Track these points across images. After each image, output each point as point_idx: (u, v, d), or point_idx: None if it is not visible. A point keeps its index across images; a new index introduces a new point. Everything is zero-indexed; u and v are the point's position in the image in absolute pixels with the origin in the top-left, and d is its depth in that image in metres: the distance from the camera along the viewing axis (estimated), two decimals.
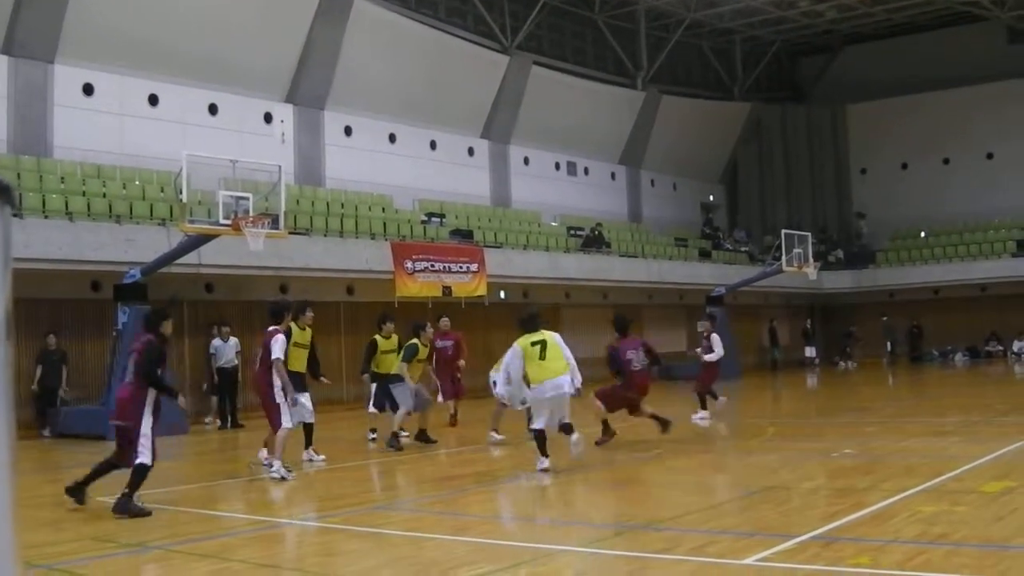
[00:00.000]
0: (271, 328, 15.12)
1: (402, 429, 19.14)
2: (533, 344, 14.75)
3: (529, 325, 15.16)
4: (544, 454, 14.50)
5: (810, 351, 49.90)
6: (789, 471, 13.69)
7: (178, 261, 23.92)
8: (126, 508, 11.48)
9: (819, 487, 12.61)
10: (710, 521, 10.25)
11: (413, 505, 12.70)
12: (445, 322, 21.05)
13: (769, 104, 58.24)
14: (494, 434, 18.88)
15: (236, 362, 25.15)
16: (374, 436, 19.80)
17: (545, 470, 14.30)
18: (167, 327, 12.67)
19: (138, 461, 11.64)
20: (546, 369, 14.68)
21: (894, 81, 54.56)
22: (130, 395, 11.87)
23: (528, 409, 16.46)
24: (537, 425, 14.72)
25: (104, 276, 24.78)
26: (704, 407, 22.82)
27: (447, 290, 31.98)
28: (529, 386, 15.15)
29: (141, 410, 11.75)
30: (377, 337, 19.81)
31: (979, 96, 52.52)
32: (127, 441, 11.78)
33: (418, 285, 31.24)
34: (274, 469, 14.39)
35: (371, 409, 19.89)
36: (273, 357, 14.62)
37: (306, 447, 16.63)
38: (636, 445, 18.38)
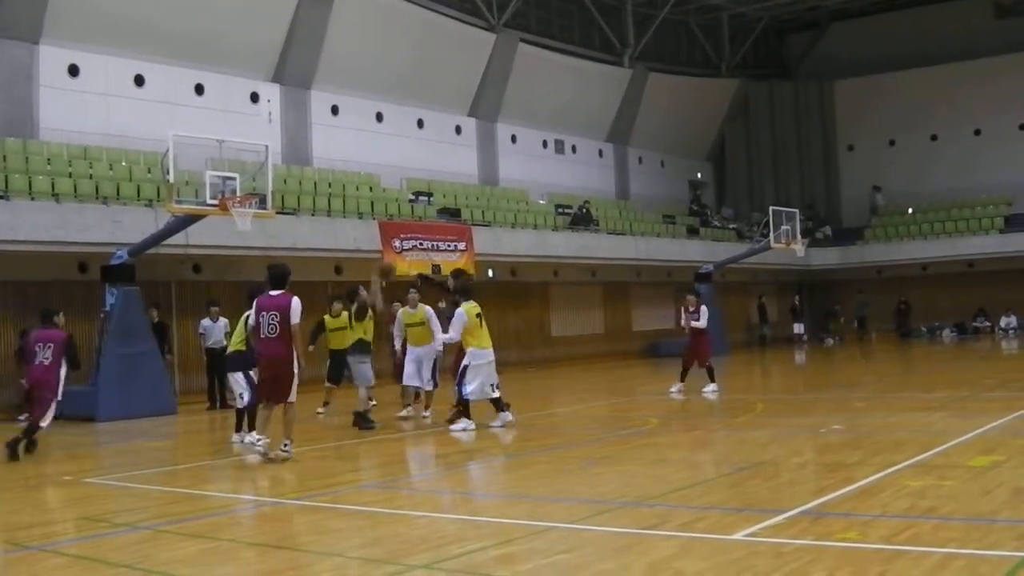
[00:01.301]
0: (276, 292, 13.92)
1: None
2: (477, 315, 17.18)
3: (471, 293, 17.62)
4: (469, 417, 17.03)
5: (798, 328, 50.00)
6: (778, 447, 13.72)
7: (166, 242, 23.90)
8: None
9: (808, 462, 12.65)
10: (699, 497, 10.27)
11: (401, 483, 12.69)
12: (396, 307, 20.87)
13: (756, 81, 58.16)
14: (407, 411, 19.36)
15: (225, 343, 25.03)
16: (322, 411, 21.00)
17: (463, 430, 16.70)
18: (60, 319, 16.94)
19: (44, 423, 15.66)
20: (485, 338, 17.27)
21: (881, 58, 54.52)
22: (52, 375, 15.76)
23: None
24: (469, 392, 17.04)
25: (91, 257, 24.74)
26: (712, 379, 22.90)
27: (436, 268, 31.96)
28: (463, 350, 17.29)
29: (59, 384, 15.82)
30: (325, 317, 20.95)
31: (966, 72, 52.51)
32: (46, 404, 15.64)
33: (406, 264, 31.20)
34: (287, 447, 13.85)
35: (327, 384, 21.05)
36: (297, 321, 13.68)
37: (243, 429, 16.47)
38: (624, 422, 18.42)
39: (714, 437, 16.34)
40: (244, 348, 16.15)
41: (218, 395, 24.49)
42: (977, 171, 52.35)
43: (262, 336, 13.84)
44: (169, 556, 8.50)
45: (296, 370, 13.81)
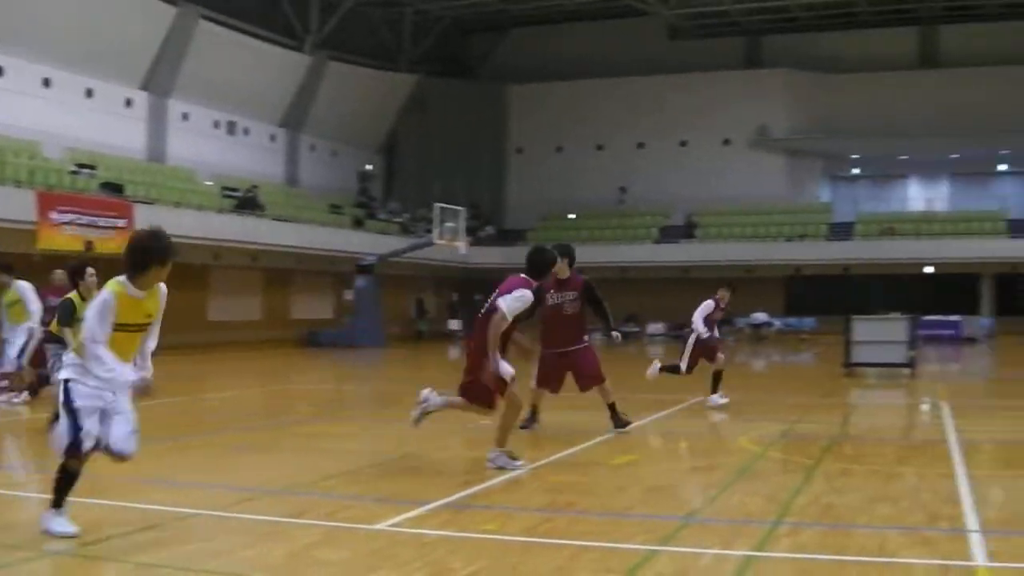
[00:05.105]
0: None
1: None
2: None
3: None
4: None
5: (455, 324, 50.86)
6: (426, 440, 13.90)
7: None
8: None
9: (455, 456, 12.88)
10: (346, 487, 10.31)
11: (35, 468, 12.23)
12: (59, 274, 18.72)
13: (435, 78, 58.88)
14: None
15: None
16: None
17: None
18: None
19: None
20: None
21: (557, 66, 56.32)
22: None
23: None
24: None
25: None
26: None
27: (89, 245, 30.81)
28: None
29: None
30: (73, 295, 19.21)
31: (634, 87, 54.87)
32: None
33: (65, 238, 30.13)
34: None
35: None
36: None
37: None
38: (277, 410, 18.34)
39: (366, 428, 16.45)
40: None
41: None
42: (638, 183, 54.78)
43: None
44: None
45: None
